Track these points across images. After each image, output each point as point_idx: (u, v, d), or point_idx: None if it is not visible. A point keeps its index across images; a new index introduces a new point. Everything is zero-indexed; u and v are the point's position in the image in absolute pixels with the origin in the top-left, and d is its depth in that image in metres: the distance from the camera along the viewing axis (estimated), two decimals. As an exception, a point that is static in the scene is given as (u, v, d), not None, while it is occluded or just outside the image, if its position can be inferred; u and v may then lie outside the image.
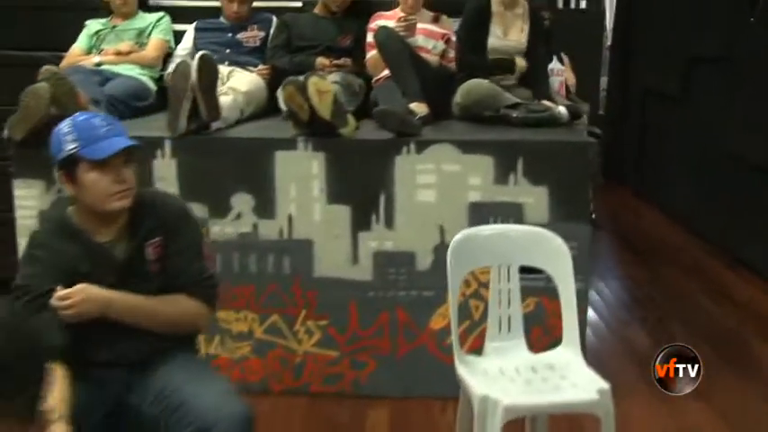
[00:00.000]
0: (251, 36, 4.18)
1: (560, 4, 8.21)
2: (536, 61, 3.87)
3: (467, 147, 3.19)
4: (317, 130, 3.19)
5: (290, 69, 3.90)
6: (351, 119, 3.21)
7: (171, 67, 3.91)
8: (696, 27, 5.38)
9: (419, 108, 3.51)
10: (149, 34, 4.18)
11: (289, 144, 3.19)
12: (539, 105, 3.63)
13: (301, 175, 3.20)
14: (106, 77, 3.83)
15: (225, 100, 3.47)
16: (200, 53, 3.20)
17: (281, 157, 3.20)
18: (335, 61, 3.88)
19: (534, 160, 3.18)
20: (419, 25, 3.94)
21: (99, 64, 3.96)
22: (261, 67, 3.99)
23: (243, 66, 4.01)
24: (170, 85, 3.18)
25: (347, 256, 3.23)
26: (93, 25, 4.21)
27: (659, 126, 6.39)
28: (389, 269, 3.24)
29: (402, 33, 3.84)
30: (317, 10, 4.21)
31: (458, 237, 2.57)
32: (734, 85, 4.82)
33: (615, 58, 7.31)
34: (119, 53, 4.01)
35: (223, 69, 3.89)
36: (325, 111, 3.11)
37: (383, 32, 3.70)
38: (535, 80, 3.86)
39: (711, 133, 5.12)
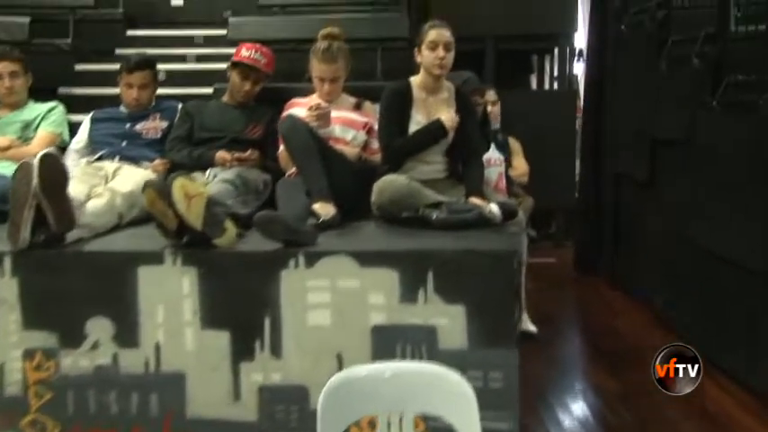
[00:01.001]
0: (151, 127, 3.73)
1: (534, 86, 7.89)
2: (465, 151, 3.39)
3: (366, 258, 2.67)
4: (189, 241, 2.69)
5: (189, 164, 3.44)
6: (230, 226, 2.70)
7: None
8: (660, 109, 4.94)
9: (323, 209, 3.02)
10: (37, 127, 3.74)
11: (154, 258, 2.68)
12: (464, 204, 3.13)
13: (170, 296, 2.68)
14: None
15: (96, 203, 2.99)
16: (42, 152, 2.72)
17: (145, 274, 2.68)
18: (237, 155, 3.40)
19: (448, 273, 2.66)
20: (336, 113, 3.49)
21: (-29, 162, 3.50)
22: (157, 161, 3.52)
23: (136, 161, 3.54)
24: (11, 191, 2.69)
25: (227, 391, 2.69)
26: (-23, 117, 3.78)
27: (632, 212, 5.89)
28: (278, 407, 2.69)
29: (314, 124, 3.39)
30: (225, 97, 3.77)
31: (331, 381, 2.02)
32: (696, 170, 4.36)
33: (587, 141, 6.86)
34: (-5, 149, 3.56)
35: (108, 166, 3.43)
36: (194, 218, 2.61)
37: (288, 122, 3.23)
38: (465, 173, 3.38)
39: (678, 222, 4.62)
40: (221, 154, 3.41)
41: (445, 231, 2.98)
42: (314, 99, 3.68)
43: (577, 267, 6.52)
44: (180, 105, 3.79)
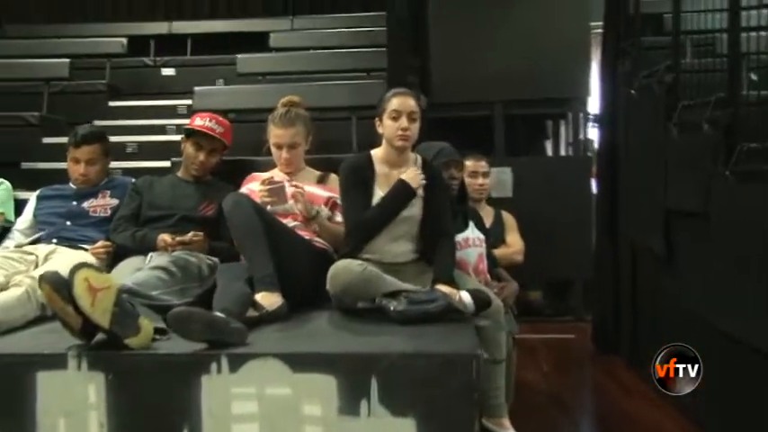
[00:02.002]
0: (100, 205, 3.42)
1: (549, 151, 7.52)
2: (433, 231, 3.01)
3: (299, 362, 2.27)
4: (98, 342, 2.32)
5: (132, 247, 3.12)
6: (146, 323, 2.33)
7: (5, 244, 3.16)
8: (673, 178, 4.52)
9: (267, 300, 2.66)
10: (-23, 207, 3.44)
11: (56, 362, 2.31)
12: (429, 293, 2.73)
13: (73, 406, 2.30)
14: None
15: (8, 295, 2.66)
16: None
17: (44, 381, 2.30)
18: (180, 238, 3.05)
19: (395, 381, 2.24)
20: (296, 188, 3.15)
21: None
22: (99, 243, 3.19)
23: (76, 243, 3.21)
24: None
25: None
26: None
27: (650, 286, 5.41)
28: None
29: (267, 200, 3.05)
30: (180, 172, 3.46)
31: None
32: (713, 244, 3.92)
33: (602, 209, 6.42)
34: None
35: (41, 249, 3.10)
36: (100, 315, 2.25)
37: (230, 199, 2.89)
38: (434, 256, 2.99)
39: (695, 300, 4.15)
40: (163, 236, 3.07)
41: (403, 326, 2.58)
42: (275, 173, 3.36)
43: (596, 344, 6.03)
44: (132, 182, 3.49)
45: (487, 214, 4.00)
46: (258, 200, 3.11)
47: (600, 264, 6.45)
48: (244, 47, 5.74)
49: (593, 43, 6.64)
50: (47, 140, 4.38)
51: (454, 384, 2.23)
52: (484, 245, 3.32)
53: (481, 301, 2.76)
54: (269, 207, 3.14)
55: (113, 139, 4.31)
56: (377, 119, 3.03)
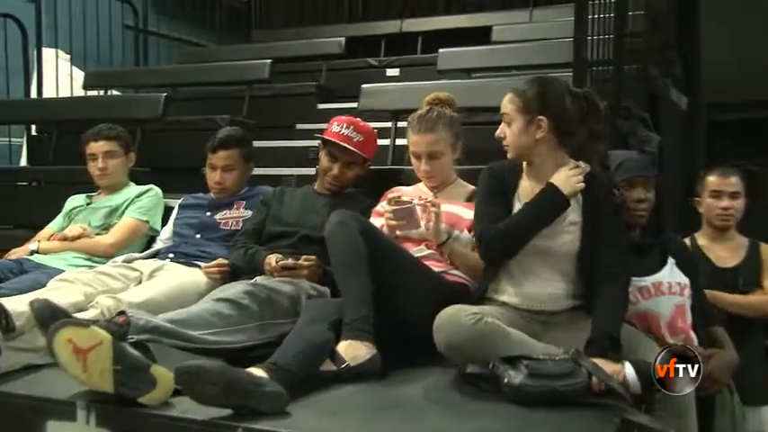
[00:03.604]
0: (233, 217, 3.05)
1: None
2: (596, 270, 2.19)
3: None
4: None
5: (243, 267, 2.69)
6: (163, 373, 1.84)
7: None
8: None
9: (351, 350, 2.06)
10: (122, 213, 3.23)
11: (66, 411, 1.91)
12: (563, 363, 1.94)
13: (82, 465, 1.89)
14: (23, 272, 2.91)
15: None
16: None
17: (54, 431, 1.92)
18: (284, 262, 2.54)
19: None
20: (443, 207, 2.54)
21: (35, 252, 3.08)
22: (215, 262, 2.80)
23: (194, 259, 2.86)
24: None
25: None
26: (72, 201, 3.39)
27: None
28: None
29: (392, 223, 2.45)
30: (316, 184, 2.96)
31: None
32: None
33: None
34: (64, 238, 3.10)
35: (147, 265, 2.79)
36: (99, 380, 1.81)
37: (335, 218, 2.31)
38: (592, 307, 2.17)
39: None
40: (269, 258, 2.59)
41: (521, 406, 1.84)
42: (420, 189, 2.74)
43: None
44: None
45: (737, 247, 3.01)
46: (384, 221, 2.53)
47: None
48: (481, 44, 5.18)
49: None
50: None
51: None
52: (688, 292, 2.39)
53: (647, 379, 1.91)
54: (398, 232, 2.54)
55: (305, 143, 4.00)
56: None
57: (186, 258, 2.87)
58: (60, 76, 5.24)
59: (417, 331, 2.13)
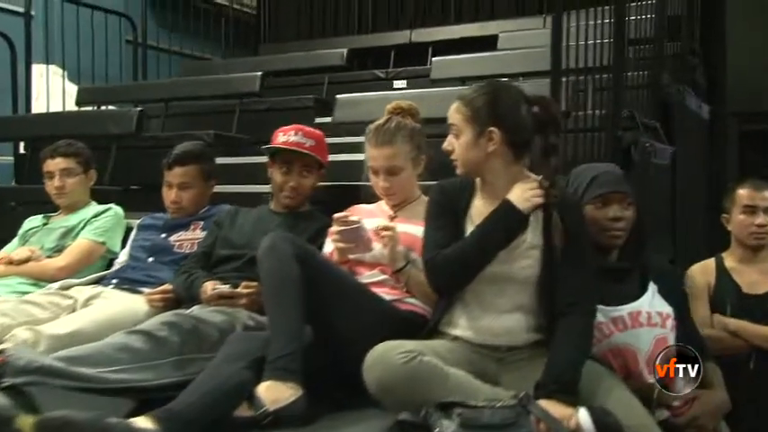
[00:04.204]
0: (188, 239, 2.82)
1: None
2: (559, 298, 1.91)
3: None
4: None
5: (182, 295, 2.46)
6: (26, 424, 1.60)
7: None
8: None
9: (271, 393, 1.82)
10: (77, 234, 3.03)
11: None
12: (506, 411, 1.66)
13: None
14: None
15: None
16: None
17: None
18: (220, 289, 2.31)
19: None
20: (402, 227, 2.28)
21: (-18, 276, 2.90)
22: (158, 289, 2.58)
23: (140, 285, 2.64)
24: None
25: None
26: (29, 222, 3.20)
27: None
28: None
29: (340, 246, 2.21)
30: (272, 204, 2.72)
31: None
32: None
33: None
34: (10, 262, 2.91)
35: (84, 292, 2.58)
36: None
37: (267, 240, 2.07)
38: (552, 340, 1.89)
39: None
40: (204, 287, 2.35)
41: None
42: (382, 206, 2.48)
43: None
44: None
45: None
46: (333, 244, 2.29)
47: None
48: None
49: None
50: (220, 161, 3.96)
51: None
52: (671, 323, 2.09)
53: (610, 429, 1.63)
54: (351, 255, 2.29)
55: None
56: None
57: (131, 284, 2.65)
58: (55, 93, 5.12)
59: (360, 368, 1.87)
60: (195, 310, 2.27)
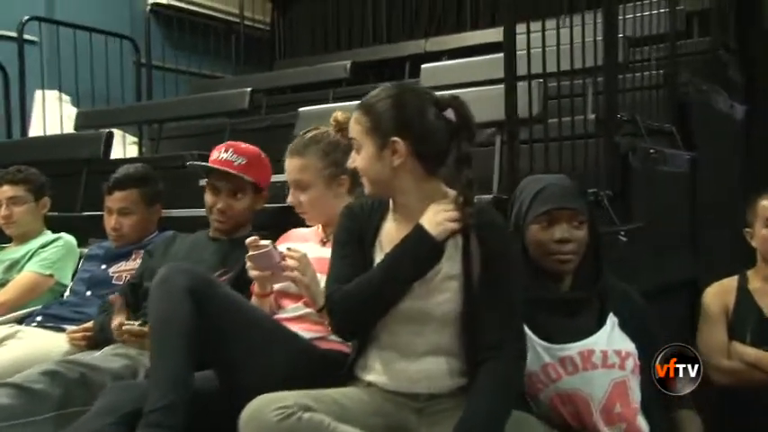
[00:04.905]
0: (127, 270, 2.62)
1: None
2: (481, 339, 1.60)
3: None
4: None
5: (97, 335, 2.24)
6: None
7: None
8: None
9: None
10: (23, 267, 2.84)
11: None
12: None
13: None
14: None
15: None
16: None
17: None
18: (129, 327, 2.06)
19: None
20: (312, 251, 2.01)
21: None
22: (85, 325, 2.36)
23: (65, 322, 2.43)
24: None
25: None
26: (-18, 254, 3.04)
27: None
28: None
29: (254, 274, 1.96)
30: (210, 229, 2.46)
31: None
32: None
33: None
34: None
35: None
36: None
37: (162, 272, 1.82)
38: (471, 387, 1.59)
39: None
40: (114, 324, 2.11)
41: None
42: (318, 230, 2.21)
43: None
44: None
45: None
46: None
47: None
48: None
49: None
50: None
51: None
52: (632, 364, 1.75)
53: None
54: (276, 286, 2.03)
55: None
56: None
57: (56, 321, 2.45)
58: (54, 117, 5.02)
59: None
60: (98, 353, 2.04)
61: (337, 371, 1.79)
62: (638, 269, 2.73)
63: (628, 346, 1.78)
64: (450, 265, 1.64)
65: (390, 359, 1.69)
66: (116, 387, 1.78)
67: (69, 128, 4.89)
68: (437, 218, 1.61)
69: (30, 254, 2.86)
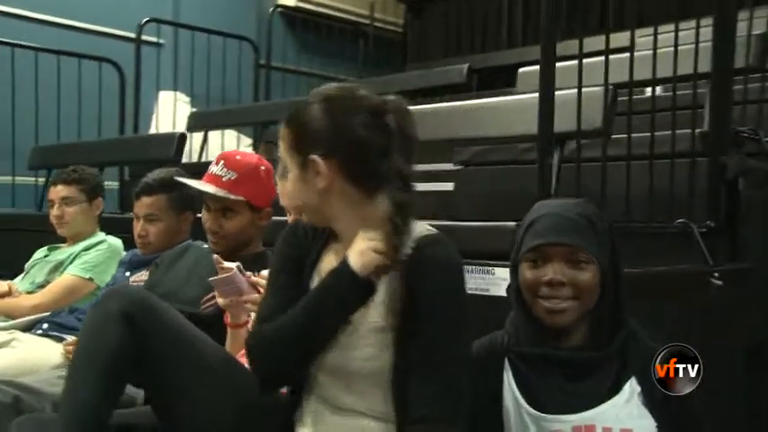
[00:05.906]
0: (141, 280, 2.43)
1: None
2: (412, 398, 1.29)
3: None
4: None
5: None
6: None
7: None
8: None
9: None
10: (65, 269, 2.77)
11: None
12: None
13: None
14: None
15: None
16: None
17: None
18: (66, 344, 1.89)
19: None
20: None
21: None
22: (75, 339, 2.21)
23: (68, 332, 2.30)
24: None
25: None
26: (38, 253, 3.00)
27: None
28: None
29: (220, 301, 1.75)
30: (213, 248, 2.24)
31: None
32: None
33: None
34: (-12, 296, 2.70)
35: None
36: None
37: (101, 298, 1.62)
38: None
39: None
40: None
41: None
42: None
43: None
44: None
45: None
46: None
47: None
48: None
49: None
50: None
51: None
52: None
53: None
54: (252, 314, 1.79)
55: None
56: None
57: (60, 330, 2.33)
58: (171, 117, 5.08)
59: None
60: (44, 374, 1.87)
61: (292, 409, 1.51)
62: (732, 322, 2.21)
63: (644, 425, 1.35)
64: (378, 312, 1.31)
65: (322, 415, 1.39)
66: (24, 422, 1.58)
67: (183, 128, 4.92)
68: (360, 248, 1.28)
69: (73, 256, 2.78)
